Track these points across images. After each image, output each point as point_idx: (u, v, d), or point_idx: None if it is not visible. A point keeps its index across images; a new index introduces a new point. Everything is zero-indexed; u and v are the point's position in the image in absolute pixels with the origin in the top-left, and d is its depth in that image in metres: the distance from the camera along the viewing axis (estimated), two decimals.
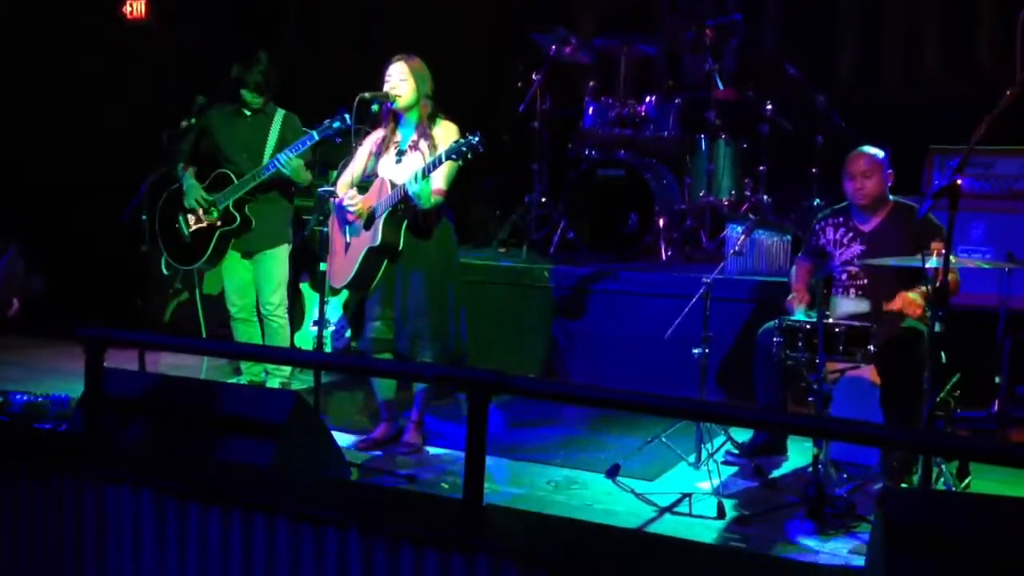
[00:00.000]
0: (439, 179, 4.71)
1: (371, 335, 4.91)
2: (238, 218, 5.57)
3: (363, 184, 4.98)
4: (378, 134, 4.99)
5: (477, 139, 4.45)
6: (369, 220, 4.81)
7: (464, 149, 4.46)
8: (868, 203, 4.81)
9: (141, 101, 8.06)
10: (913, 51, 7.46)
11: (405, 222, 4.77)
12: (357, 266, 4.82)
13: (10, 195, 7.88)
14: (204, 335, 6.45)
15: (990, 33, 7.10)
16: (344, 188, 4.97)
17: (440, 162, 4.54)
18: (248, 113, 5.66)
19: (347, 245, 4.95)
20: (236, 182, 5.54)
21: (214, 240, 5.61)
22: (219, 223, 5.59)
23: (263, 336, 5.80)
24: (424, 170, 4.57)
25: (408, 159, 4.82)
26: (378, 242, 4.72)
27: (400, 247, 4.77)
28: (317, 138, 5.19)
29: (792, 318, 4.47)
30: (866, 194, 4.78)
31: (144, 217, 5.50)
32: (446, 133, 4.81)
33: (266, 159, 5.56)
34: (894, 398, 4.50)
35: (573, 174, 7.14)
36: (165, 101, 6.80)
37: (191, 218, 5.66)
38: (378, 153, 4.94)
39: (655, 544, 2.71)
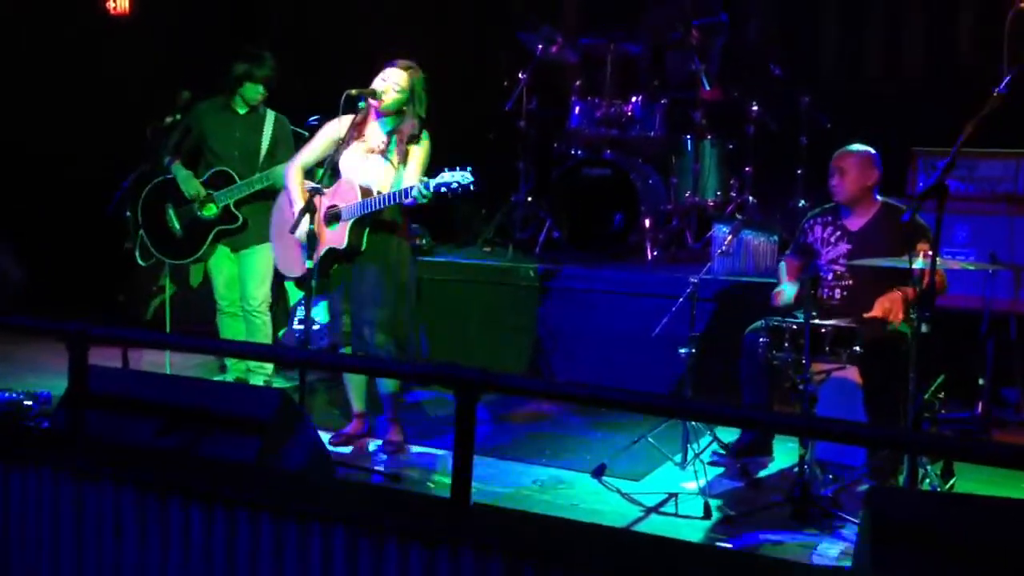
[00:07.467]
0: (413, 170, 4.70)
1: (345, 329, 4.95)
2: (240, 218, 5.54)
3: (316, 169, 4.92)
4: (345, 120, 4.82)
5: (470, 180, 4.32)
6: (333, 220, 4.77)
7: (455, 186, 4.34)
8: (844, 199, 4.83)
9: (125, 96, 8.01)
10: (896, 51, 7.49)
11: (368, 227, 4.75)
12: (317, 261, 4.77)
13: None
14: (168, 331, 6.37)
15: (973, 32, 7.13)
16: (299, 171, 4.91)
17: (428, 189, 4.39)
18: (242, 112, 5.62)
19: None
20: (239, 182, 5.50)
21: (210, 237, 5.58)
22: (218, 221, 5.55)
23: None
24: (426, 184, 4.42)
25: (372, 161, 4.77)
26: (344, 245, 4.71)
27: (362, 249, 4.76)
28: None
29: (783, 299, 4.73)
30: (841, 190, 4.81)
31: (128, 213, 5.44)
32: (422, 154, 4.75)
33: (260, 160, 5.53)
34: (878, 399, 4.51)
35: (559, 173, 7.13)
36: (149, 96, 6.77)
37: (183, 212, 5.60)
38: (345, 141, 4.78)
39: (641, 543, 2.69)
